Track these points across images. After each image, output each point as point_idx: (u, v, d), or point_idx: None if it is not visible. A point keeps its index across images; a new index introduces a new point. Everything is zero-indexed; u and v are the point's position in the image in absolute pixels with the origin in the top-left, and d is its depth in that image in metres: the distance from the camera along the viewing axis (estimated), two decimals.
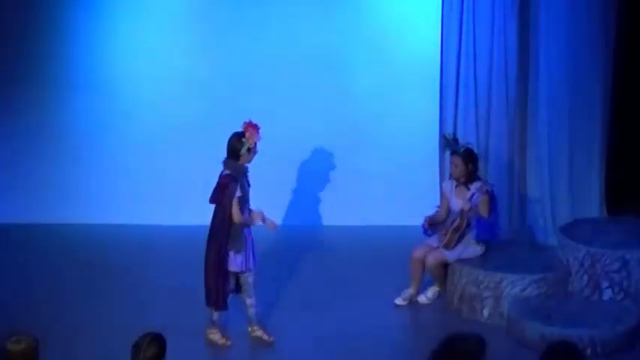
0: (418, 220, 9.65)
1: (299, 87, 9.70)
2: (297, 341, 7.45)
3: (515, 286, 7.66)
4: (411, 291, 8.10)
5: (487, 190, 7.91)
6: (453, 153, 8.02)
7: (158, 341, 4.81)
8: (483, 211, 7.89)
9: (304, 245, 9.32)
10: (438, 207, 8.23)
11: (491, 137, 9.09)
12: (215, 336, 7.44)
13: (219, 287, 7.27)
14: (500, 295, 7.67)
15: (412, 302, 8.08)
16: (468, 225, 7.92)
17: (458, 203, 7.98)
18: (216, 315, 7.41)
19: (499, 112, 9.03)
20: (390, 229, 9.46)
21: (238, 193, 7.17)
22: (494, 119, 9.07)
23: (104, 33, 9.72)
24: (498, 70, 8.95)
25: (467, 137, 9.13)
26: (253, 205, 7.39)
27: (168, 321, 7.62)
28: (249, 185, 7.34)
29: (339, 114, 9.75)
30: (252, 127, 7.27)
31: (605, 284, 7.61)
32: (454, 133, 8.42)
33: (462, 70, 8.95)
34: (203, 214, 9.83)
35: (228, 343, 7.44)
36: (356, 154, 9.79)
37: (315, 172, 9.84)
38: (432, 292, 8.11)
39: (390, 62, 9.69)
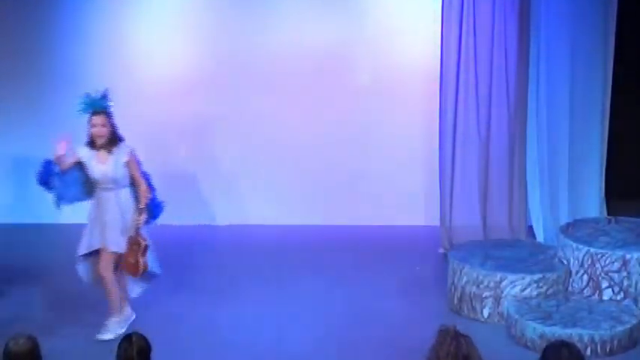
0: (418, 220, 9.73)
1: (299, 86, 9.70)
2: (297, 341, 7.44)
3: (515, 286, 7.65)
4: (115, 319, 7.29)
5: (131, 152, 7.19)
6: (99, 113, 7.06)
7: (144, 338, 4.83)
8: (136, 174, 7.18)
9: (304, 245, 9.31)
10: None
11: (492, 137, 9.09)
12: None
13: None
14: (500, 295, 7.67)
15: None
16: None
17: (104, 169, 7.14)
18: None
19: (499, 112, 9.03)
20: (390, 228, 9.45)
21: None
22: (494, 119, 9.06)
23: (103, 32, 9.71)
24: (498, 70, 8.95)
25: (467, 137, 9.14)
26: None
27: (168, 320, 7.65)
28: None
29: (339, 113, 9.75)
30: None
31: (605, 284, 7.61)
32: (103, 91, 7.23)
33: (461, 70, 8.94)
34: (204, 214, 9.92)
35: None
36: (356, 154, 9.78)
37: (315, 171, 9.83)
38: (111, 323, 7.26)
39: (390, 62, 9.68)
